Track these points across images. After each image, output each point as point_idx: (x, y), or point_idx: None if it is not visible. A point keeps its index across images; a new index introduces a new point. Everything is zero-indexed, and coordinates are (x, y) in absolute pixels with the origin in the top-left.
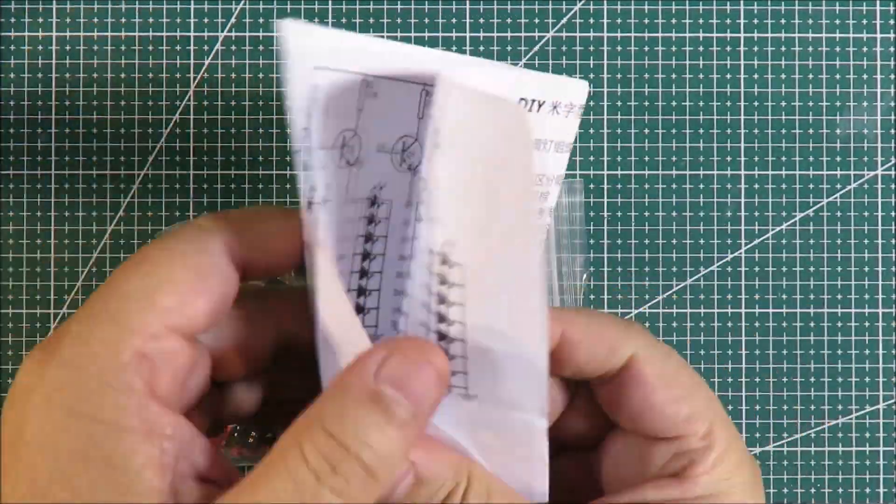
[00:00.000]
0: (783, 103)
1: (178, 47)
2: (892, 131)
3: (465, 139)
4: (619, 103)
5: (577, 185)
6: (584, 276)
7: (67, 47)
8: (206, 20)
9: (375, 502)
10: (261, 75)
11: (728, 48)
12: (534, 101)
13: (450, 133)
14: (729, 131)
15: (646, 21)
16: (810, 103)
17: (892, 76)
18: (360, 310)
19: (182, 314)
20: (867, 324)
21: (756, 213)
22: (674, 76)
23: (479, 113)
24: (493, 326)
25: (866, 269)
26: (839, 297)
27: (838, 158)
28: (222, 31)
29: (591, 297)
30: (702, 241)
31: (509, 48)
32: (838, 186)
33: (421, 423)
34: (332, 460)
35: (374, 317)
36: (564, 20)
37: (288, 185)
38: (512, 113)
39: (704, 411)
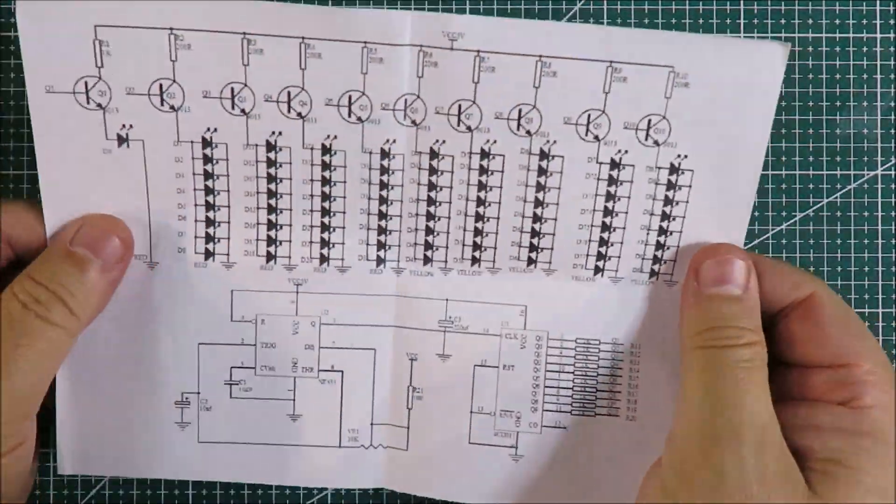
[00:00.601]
0: (783, 103)
1: None
2: (892, 131)
3: (713, 78)
4: None
5: None
6: None
7: None
8: None
9: (75, 334)
10: None
11: None
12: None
13: (700, 74)
14: None
15: (646, 21)
16: (810, 103)
17: (892, 76)
18: (271, 241)
19: None
20: (867, 324)
21: (756, 213)
22: None
23: (729, 56)
24: (706, 225)
25: (866, 269)
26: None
27: (838, 158)
28: None
29: None
30: None
31: None
32: (838, 186)
33: (109, 276)
34: (35, 295)
35: (288, 249)
36: (564, 20)
37: None
38: (765, 52)
39: (874, 353)
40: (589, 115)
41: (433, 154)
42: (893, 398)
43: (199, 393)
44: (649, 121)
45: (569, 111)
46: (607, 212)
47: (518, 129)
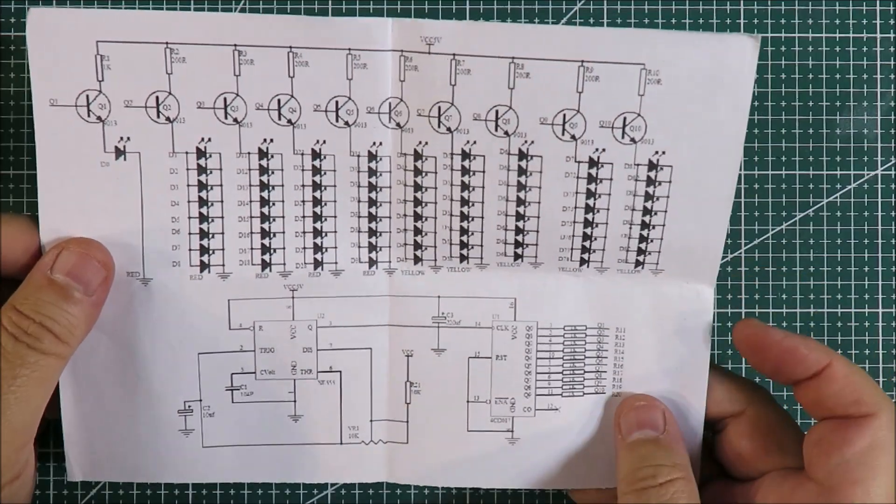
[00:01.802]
0: (783, 103)
1: None
2: (892, 131)
3: (685, 73)
4: None
5: None
6: None
7: None
8: None
9: (66, 358)
10: None
11: None
12: None
13: (671, 71)
14: None
15: (646, 21)
16: (810, 103)
17: (892, 76)
18: (265, 250)
19: None
20: (867, 324)
21: (756, 213)
22: None
23: (699, 51)
24: (688, 218)
25: (866, 269)
26: (839, 297)
27: (838, 158)
28: None
29: None
30: None
31: None
32: (838, 186)
33: (92, 299)
34: (23, 327)
35: (282, 255)
36: (564, 20)
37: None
38: (734, 45)
39: (875, 486)
40: (564, 115)
41: (417, 155)
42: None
43: (200, 400)
44: (624, 119)
45: (544, 111)
46: (589, 209)
47: (496, 129)
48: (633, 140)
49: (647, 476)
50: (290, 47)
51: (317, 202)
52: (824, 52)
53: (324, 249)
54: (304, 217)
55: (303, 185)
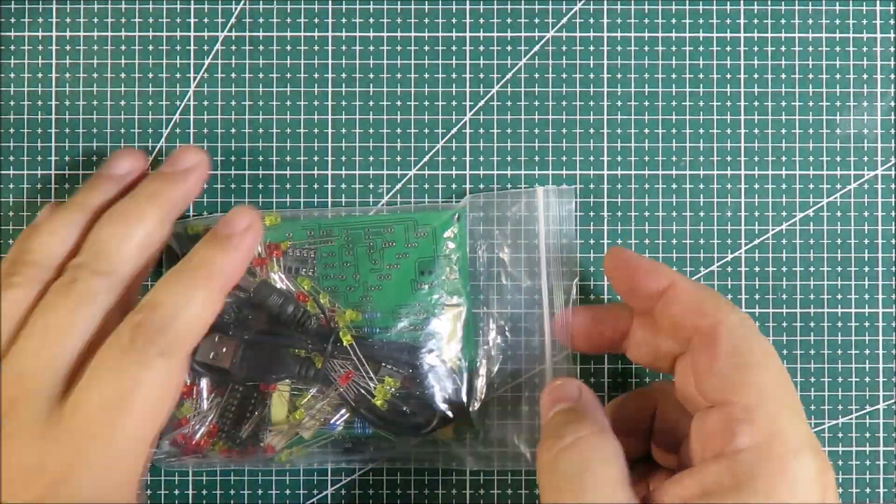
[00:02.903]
0: (783, 103)
1: (178, 47)
2: (892, 131)
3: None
4: (619, 103)
5: (568, 191)
6: (572, 297)
7: (67, 47)
8: (206, 20)
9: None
10: (261, 75)
11: (728, 48)
12: None
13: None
14: (729, 131)
15: (646, 21)
16: (810, 103)
17: (892, 76)
18: None
19: None
20: (867, 324)
21: (756, 213)
22: (674, 76)
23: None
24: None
25: (866, 269)
26: (839, 297)
27: (838, 158)
28: (222, 31)
29: (592, 297)
30: (702, 241)
31: (509, 48)
32: (838, 186)
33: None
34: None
35: None
36: (564, 20)
37: (287, 185)
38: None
39: (758, 384)
40: None
41: None
42: (782, 438)
43: None
44: None
45: None
46: None
47: None
48: None
49: (558, 437)
50: None
51: None
52: (824, 52)
53: None
54: None
55: None
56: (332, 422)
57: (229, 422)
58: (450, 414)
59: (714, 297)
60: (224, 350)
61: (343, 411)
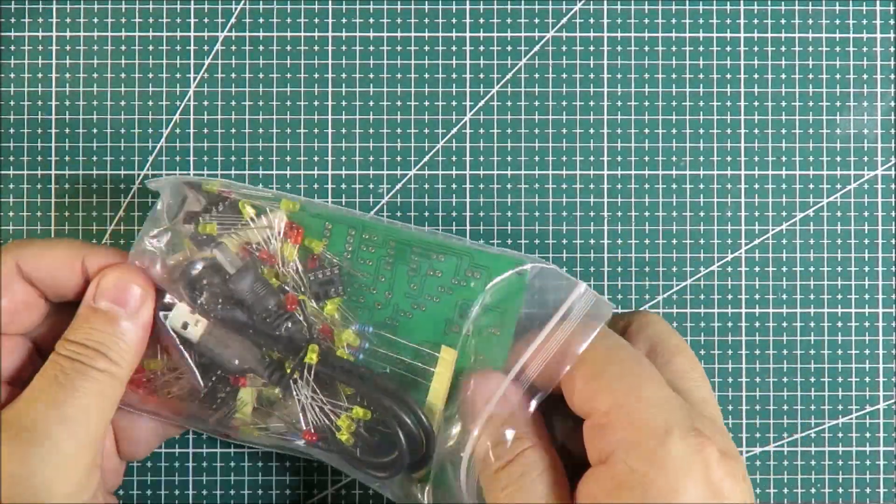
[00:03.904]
0: (783, 103)
1: (178, 47)
2: (892, 131)
3: None
4: (619, 103)
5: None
6: None
7: (67, 47)
8: (206, 20)
9: (122, 380)
10: (261, 75)
11: (728, 48)
12: None
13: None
14: (729, 131)
15: (646, 21)
16: (810, 103)
17: (892, 76)
18: None
19: None
20: (867, 324)
21: (756, 213)
22: (674, 76)
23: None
24: None
25: (866, 269)
26: (839, 297)
27: (838, 158)
28: (222, 31)
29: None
30: (702, 241)
31: (509, 48)
32: (838, 186)
33: (139, 321)
34: (77, 352)
35: None
36: (564, 20)
37: (288, 186)
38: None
39: (612, 388)
40: None
41: None
42: (640, 435)
43: None
44: None
45: None
46: None
47: None
48: None
49: (502, 453)
50: None
51: None
52: (824, 52)
53: None
54: None
55: None
56: (290, 439)
57: (198, 398)
58: (408, 460)
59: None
60: (197, 324)
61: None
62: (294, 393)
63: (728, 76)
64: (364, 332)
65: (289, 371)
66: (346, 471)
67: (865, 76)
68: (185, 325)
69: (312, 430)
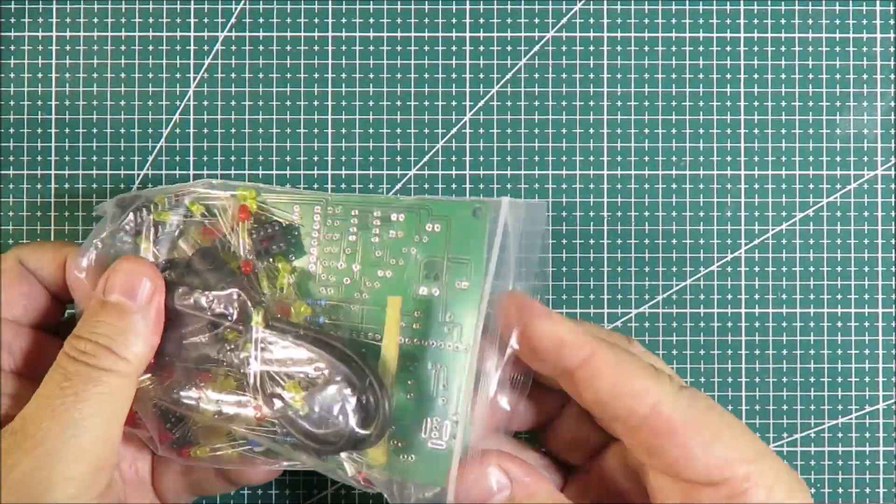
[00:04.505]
0: (783, 103)
1: (178, 47)
2: (892, 131)
3: None
4: (619, 103)
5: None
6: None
7: (67, 47)
8: (206, 20)
9: (131, 376)
10: (261, 75)
11: (728, 48)
12: None
13: None
14: (729, 131)
15: (646, 21)
16: (810, 103)
17: (892, 76)
18: None
19: None
20: (867, 324)
21: (756, 213)
22: (674, 76)
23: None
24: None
25: (866, 269)
26: (839, 297)
27: (838, 158)
28: (222, 31)
29: (591, 297)
30: (702, 241)
31: (509, 48)
32: (838, 186)
33: (147, 315)
34: (81, 348)
35: None
36: (564, 20)
37: (287, 186)
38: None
39: (740, 450)
40: None
41: None
42: (779, 487)
43: None
44: None
45: None
46: None
47: None
48: None
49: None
50: None
51: None
52: (824, 52)
53: None
54: None
55: None
56: (252, 439)
57: (173, 420)
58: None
59: (643, 371)
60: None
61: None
62: (247, 363)
63: (728, 76)
64: (316, 305)
65: (233, 338)
66: (300, 461)
67: (865, 76)
68: None
69: (261, 404)
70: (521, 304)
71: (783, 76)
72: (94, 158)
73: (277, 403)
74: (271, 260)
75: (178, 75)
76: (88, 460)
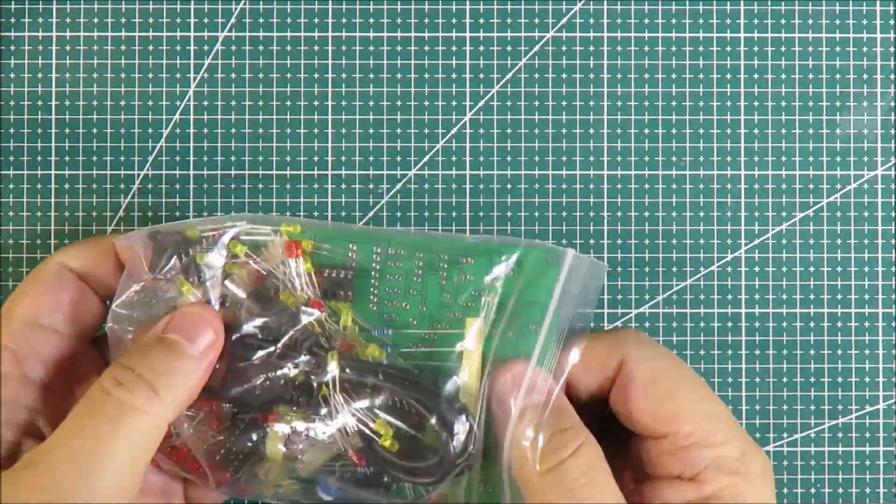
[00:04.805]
0: (783, 103)
1: (178, 47)
2: (892, 131)
3: None
4: (619, 103)
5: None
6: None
7: (67, 47)
8: (206, 20)
9: (161, 420)
10: (261, 75)
11: (728, 48)
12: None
13: None
14: (729, 131)
15: (646, 21)
16: (810, 103)
17: (892, 76)
18: None
19: (31, 313)
20: (867, 324)
21: (756, 213)
22: (674, 76)
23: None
24: None
25: (866, 269)
26: (839, 297)
27: (838, 158)
28: (222, 31)
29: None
30: (702, 241)
31: (509, 48)
32: (838, 186)
33: (201, 364)
34: (120, 378)
35: None
36: (564, 20)
37: (287, 186)
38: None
39: (690, 409)
40: None
41: None
42: (730, 448)
43: None
44: None
45: None
46: None
47: None
48: None
49: (558, 447)
50: None
51: None
52: (824, 52)
53: None
54: None
55: None
56: (327, 484)
57: (223, 452)
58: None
59: (605, 339)
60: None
61: (341, 463)
62: (327, 408)
63: (728, 76)
64: (384, 335)
65: (315, 384)
66: (408, 480)
67: (865, 76)
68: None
69: (354, 449)
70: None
71: (783, 76)
72: (94, 158)
73: (363, 441)
74: (328, 302)
75: (178, 75)
76: (106, 495)
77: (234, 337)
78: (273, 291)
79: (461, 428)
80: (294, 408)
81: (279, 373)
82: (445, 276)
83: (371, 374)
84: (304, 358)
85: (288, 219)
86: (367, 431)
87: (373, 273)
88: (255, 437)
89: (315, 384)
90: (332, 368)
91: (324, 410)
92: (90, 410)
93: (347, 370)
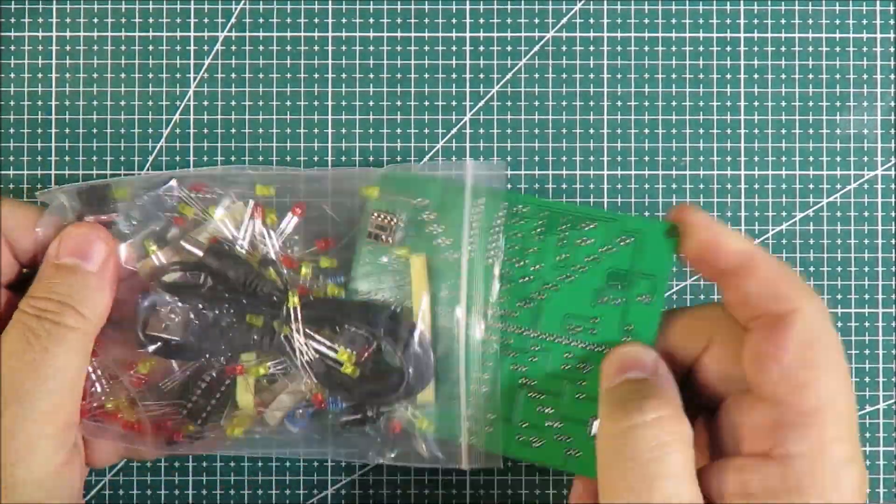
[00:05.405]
0: (783, 103)
1: (178, 47)
2: (892, 131)
3: None
4: (619, 103)
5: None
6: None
7: (67, 47)
8: (206, 20)
9: (90, 334)
10: (261, 75)
11: (728, 48)
12: None
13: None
14: (729, 131)
15: (646, 21)
16: (810, 103)
17: (892, 76)
18: None
19: None
20: (867, 324)
21: (756, 213)
22: (674, 76)
23: None
24: None
25: (866, 269)
26: (839, 297)
27: (838, 158)
28: (222, 31)
29: None
30: None
31: (509, 48)
32: (838, 186)
33: (104, 273)
34: (43, 307)
35: None
36: (564, 20)
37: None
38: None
39: (827, 386)
40: None
41: None
42: (833, 447)
43: None
44: None
45: None
46: None
47: None
48: None
49: (633, 410)
50: None
51: None
52: (824, 52)
53: None
54: None
55: None
56: (294, 416)
57: (192, 404)
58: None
59: (793, 280)
60: (176, 320)
61: (306, 403)
62: (292, 345)
63: (728, 76)
64: (339, 283)
65: (277, 326)
66: (343, 451)
67: (865, 76)
68: (165, 328)
69: (315, 388)
70: (700, 220)
71: (783, 76)
72: (94, 158)
73: (324, 370)
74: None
75: (178, 75)
76: (60, 417)
77: (196, 290)
78: (228, 247)
79: (414, 344)
80: (258, 354)
81: (244, 321)
82: (564, 238)
83: (328, 308)
84: (265, 303)
85: (242, 173)
86: (330, 362)
87: (495, 227)
88: (223, 388)
89: (276, 325)
90: (293, 306)
91: (287, 349)
92: (30, 332)
93: (307, 308)
